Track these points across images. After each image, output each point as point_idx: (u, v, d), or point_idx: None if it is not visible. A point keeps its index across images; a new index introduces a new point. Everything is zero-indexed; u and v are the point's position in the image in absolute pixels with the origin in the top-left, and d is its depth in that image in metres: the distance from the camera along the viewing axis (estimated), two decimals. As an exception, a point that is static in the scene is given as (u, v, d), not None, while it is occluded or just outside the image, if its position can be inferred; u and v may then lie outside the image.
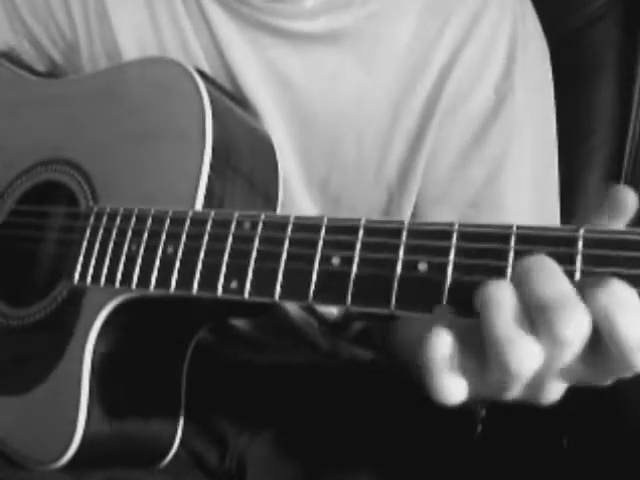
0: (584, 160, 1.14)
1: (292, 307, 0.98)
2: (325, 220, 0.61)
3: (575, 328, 0.47)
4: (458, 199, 0.90)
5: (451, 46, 0.89)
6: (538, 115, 0.94)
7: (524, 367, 0.49)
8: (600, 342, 0.48)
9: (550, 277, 0.49)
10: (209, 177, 0.76)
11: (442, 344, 0.51)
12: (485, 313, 0.50)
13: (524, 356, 0.48)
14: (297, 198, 0.94)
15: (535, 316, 0.48)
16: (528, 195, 0.91)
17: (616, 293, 0.47)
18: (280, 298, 0.61)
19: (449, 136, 0.90)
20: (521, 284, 0.50)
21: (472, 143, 0.90)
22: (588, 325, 0.47)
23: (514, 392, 0.52)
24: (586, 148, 1.14)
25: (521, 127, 0.90)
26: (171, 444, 0.86)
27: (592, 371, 0.50)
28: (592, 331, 0.47)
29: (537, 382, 0.51)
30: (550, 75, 0.96)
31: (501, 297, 0.49)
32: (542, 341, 0.48)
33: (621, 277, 0.48)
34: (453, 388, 0.52)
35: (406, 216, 0.94)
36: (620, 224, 0.52)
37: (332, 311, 0.99)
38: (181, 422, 0.86)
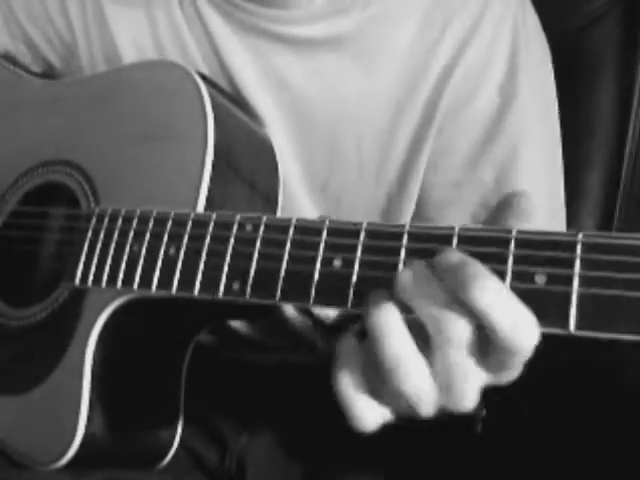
0: (584, 160, 1.14)
1: (289, 309, 0.98)
2: (327, 223, 0.61)
3: (459, 328, 0.50)
4: (468, 201, 0.90)
5: (453, 47, 0.89)
6: (543, 113, 0.94)
7: (414, 386, 0.52)
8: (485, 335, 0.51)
9: (427, 287, 0.52)
10: (210, 179, 0.76)
11: (348, 377, 0.54)
12: (372, 338, 0.53)
13: (414, 376, 0.52)
14: (298, 199, 0.94)
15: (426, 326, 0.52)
16: (540, 194, 0.91)
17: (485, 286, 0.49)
18: (281, 300, 0.62)
19: (455, 139, 0.90)
20: (406, 300, 0.52)
21: (479, 146, 0.90)
22: (468, 323, 0.50)
23: (425, 409, 0.54)
24: (586, 148, 1.14)
25: (528, 127, 0.90)
26: (170, 444, 0.86)
27: (488, 367, 0.52)
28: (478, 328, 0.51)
29: (445, 389, 0.53)
30: (552, 74, 0.96)
31: (386, 320, 0.52)
32: (435, 350, 0.51)
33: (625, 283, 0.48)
34: (367, 416, 0.55)
35: (406, 217, 0.94)
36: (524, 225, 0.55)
37: (328, 314, 0.99)
38: (180, 422, 0.86)
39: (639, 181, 1.13)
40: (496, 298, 0.49)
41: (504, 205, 0.57)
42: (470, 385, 0.53)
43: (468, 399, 0.53)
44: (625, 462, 0.90)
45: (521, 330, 0.49)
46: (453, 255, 0.52)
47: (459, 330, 0.50)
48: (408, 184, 0.92)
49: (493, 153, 0.90)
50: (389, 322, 0.52)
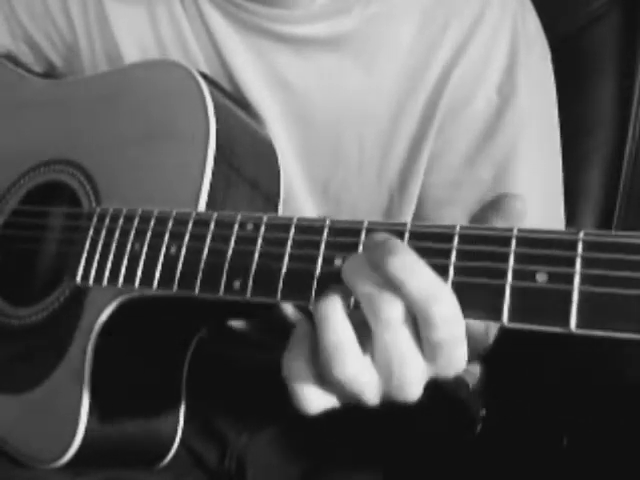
0: (584, 160, 1.14)
1: (290, 308, 0.98)
2: (328, 222, 0.61)
3: (390, 307, 0.52)
4: (466, 200, 0.90)
5: (453, 47, 0.89)
6: (542, 113, 0.94)
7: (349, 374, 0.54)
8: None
9: (361, 270, 0.53)
10: (212, 179, 0.76)
11: (296, 361, 0.57)
12: (316, 326, 0.55)
13: (352, 363, 0.54)
14: (299, 199, 0.94)
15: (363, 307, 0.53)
16: (538, 193, 0.91)
17: (401, 262, 0.51)
18: (282, 299, 0.62)
19: (454, 138, 0.90)
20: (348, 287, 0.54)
21: (478, 145, 0.90)
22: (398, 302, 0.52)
23: (368, 397, 0.56)
24: (586, 148, 1.14)
25: (526, 126, 0.90)
26: (171, 444, 0.86)
27: (424, 353, 0.53)
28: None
29: (385, 375, 0.54)
30: (551, 73, 0.96)
31: (326, 308, 0.54)
32: (372, 334, 0.53)
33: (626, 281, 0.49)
34: (311, 399, 0.57)
35: (407, 217, 0.94)
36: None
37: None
38: (181, 422, 0.86)
39: (639, 181, 1.13)
40: (410, 267, 0.51)
41: (494, 205, 0.57)
42: (409, 372, 0.54)
43: (409, 387, 0.54)
44: (625, 461, 0.90)
45: (438, 299, 0.51)
46: (377, 235, 0.54)
47: (390, 309, 0.52)
48: (409, 184, 0.92)
49: (492, 152, 0.90)
50: (329, 309, 0.54)
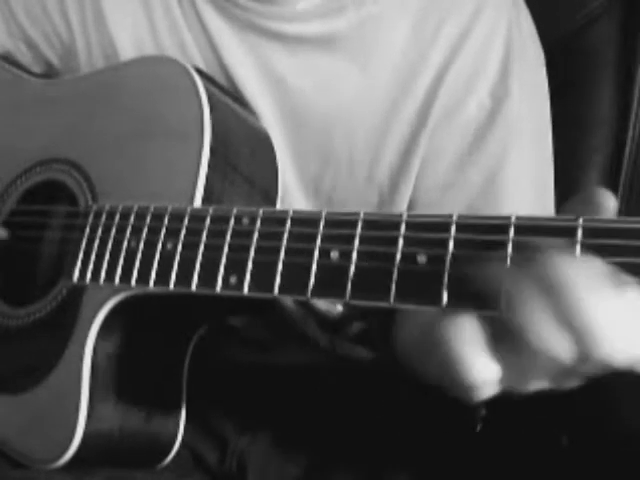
0: (584, 161, 1.14)
1: (291, 306, 0.98)
2: (324, 214, 0.61)
3: None
4: (455, 204, 0.90)
5: (447, 49, 0.89)
6: (535, 117, 0.94)
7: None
8: None
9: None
10: (207, 174, 0.76)
11: (465, 326, 0.52)
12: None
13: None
14: (291, 197, 0.94)
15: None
16: (527, 198, 0.91)
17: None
18: (279, 293, 0.61)
19: (445, 142, 0.90)
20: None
21: (469, 148, 0.89)
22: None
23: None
24: (585, 148, 1.14)
25: (518, 131, 0.90)
26: (172, 444, 0.86)
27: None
28: None
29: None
30: (545, 76, 0.96)
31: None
32: None
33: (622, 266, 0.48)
34: (482, 368, 0.52)
35: None
36: None
37: (331, 311, 0.99)
38: (182, 421, 0.86)
39: (639, 181, 1.12)
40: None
41: (584, 199, 0.54)
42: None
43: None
44: (623, 461, 0.90)
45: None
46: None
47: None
48: (400, 187, 0.92)
49: (483, 156, 0.89)
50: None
